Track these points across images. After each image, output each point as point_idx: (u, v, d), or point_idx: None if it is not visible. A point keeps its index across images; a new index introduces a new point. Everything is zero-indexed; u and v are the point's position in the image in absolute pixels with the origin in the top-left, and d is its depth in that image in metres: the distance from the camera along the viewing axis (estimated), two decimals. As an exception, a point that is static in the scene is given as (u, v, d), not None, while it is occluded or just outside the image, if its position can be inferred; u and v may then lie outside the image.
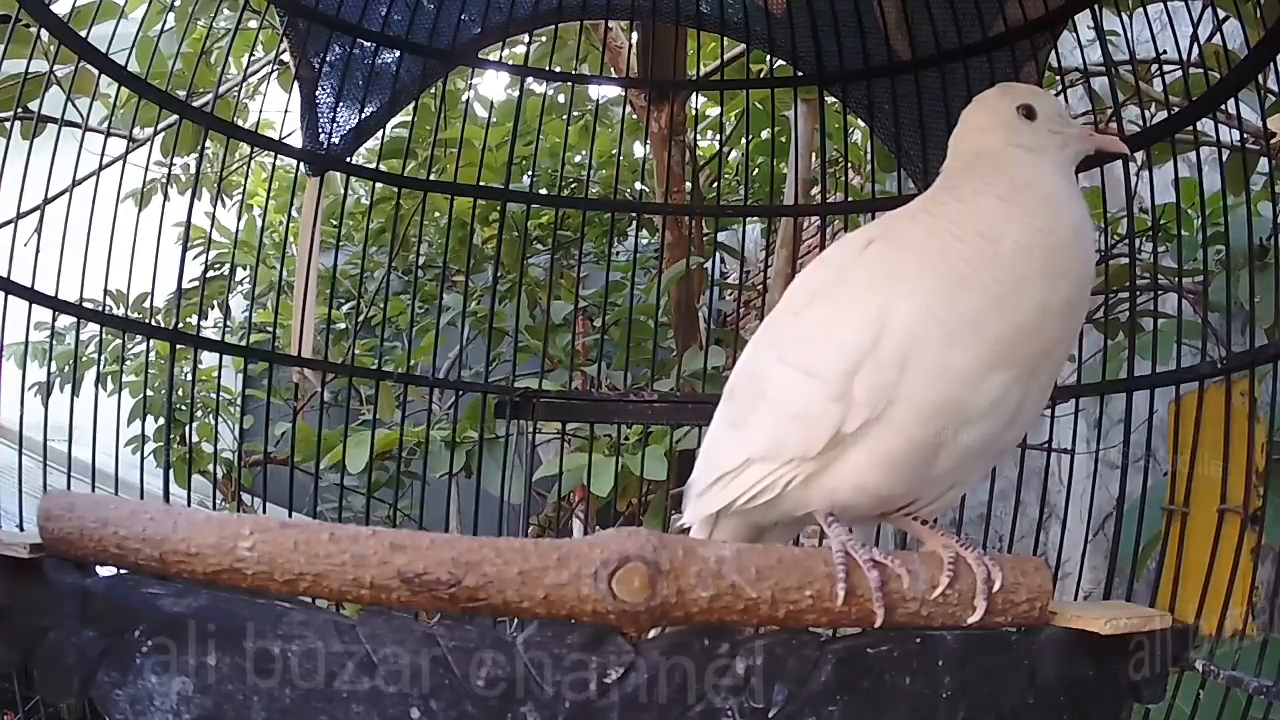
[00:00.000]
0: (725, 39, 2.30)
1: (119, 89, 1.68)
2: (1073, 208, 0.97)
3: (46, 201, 1.51)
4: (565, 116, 2.61)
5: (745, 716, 0.91)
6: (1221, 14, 1.76)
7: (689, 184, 2.87)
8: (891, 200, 1.74)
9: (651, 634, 0.93)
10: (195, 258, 3.14)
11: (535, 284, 3.04)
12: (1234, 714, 1.19)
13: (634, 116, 2.97)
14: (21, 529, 1.39)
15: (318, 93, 1.84)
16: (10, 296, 1.38)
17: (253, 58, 2.78)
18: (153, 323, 2.11)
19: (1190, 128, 1.61)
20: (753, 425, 1.00)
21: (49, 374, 2.71)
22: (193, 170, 2.31)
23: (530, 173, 2.93)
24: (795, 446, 0.96)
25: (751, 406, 1.02)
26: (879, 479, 0.96)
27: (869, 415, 0.93)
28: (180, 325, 2.03)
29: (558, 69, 2.25)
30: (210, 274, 3.30)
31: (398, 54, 1.87)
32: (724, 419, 1.07)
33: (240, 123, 2.27)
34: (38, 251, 1.47)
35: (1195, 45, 1.61)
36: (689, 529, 1.09)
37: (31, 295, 1.44)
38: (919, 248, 0.95)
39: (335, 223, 2.97)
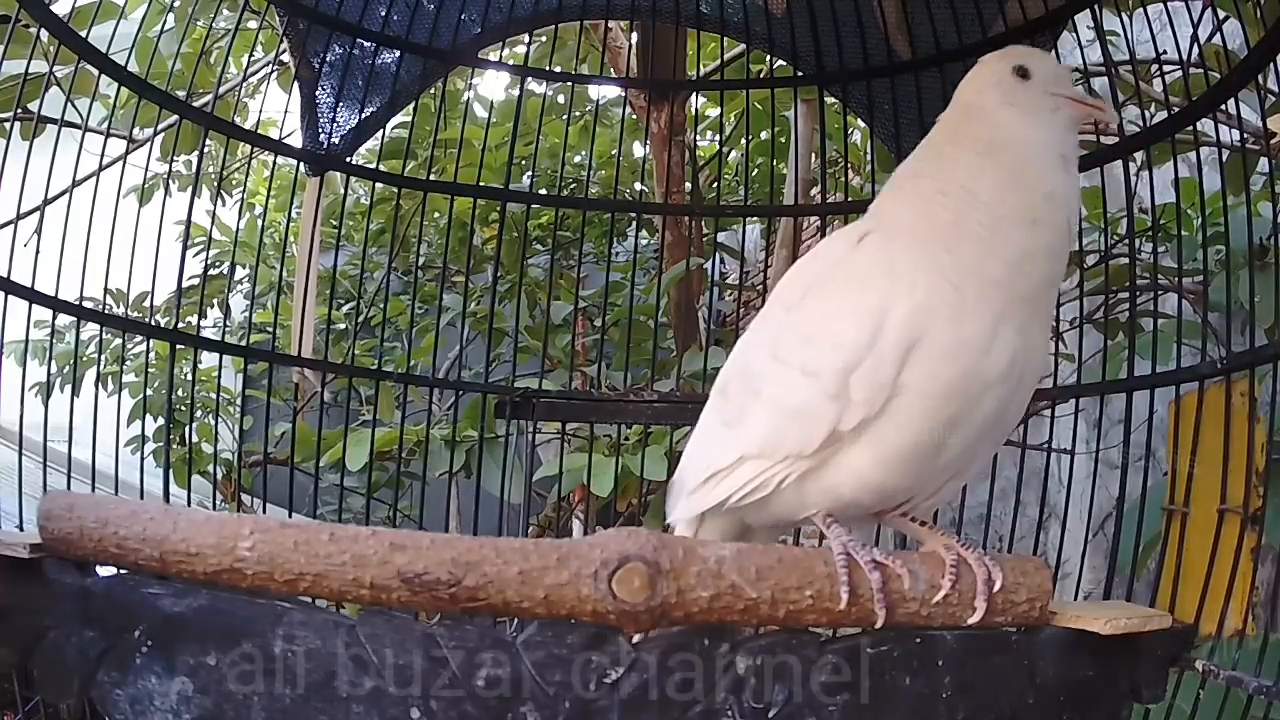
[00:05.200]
0: (725, 39, 2.30)
1: (119, 89, 1.67)
2: (1051, 170, 0.98)
3: (46, 201, 1.50)
4: (565, 116, 2.61)
5: (745, 716, 0.91)
6: (1221, 14, 1.76)
7: (689, 184, 2.87)
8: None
9: (647, 635, 0.93)
10: (195, 256, 3.14)
11: (535, 284, 3.04)
12: (1234, 714, 1.19)
13: (634, 117, 2.97)
14: (21, 529, 1.39)
15: (318, 93, 1.84)
16: (10, 296, 1.38)
17: (253, 58, 2.78)
18: (153, 322, 2.11)
19: (1190, 128, 1.60)
20: (747, 422, 1.00)
21: (49, 374, 2.71)
22: (194, 166, 2.30)
23: (530, 173, 2.93)
24: (791, 444, 0.96)
25: (745, 403, 1.01)
26: (884, 473, 0.95)
27: (867, 414, 0.92)
28: (180, 325, 2.02)
29: (558, 69, 2.25)
30: (210, 273, 3.30)
31: (398, 54, 1.87)
32: (716, 415, 1.06)
33: (240, 123, 2.27)
34: (38, 251, 1.47)
35: (1195, 45, 1.61)
36: (675, 528, 1.09)
37: (31, 295, 1.44)
38: (912, 219, 0.97)
39: (335, 223, 2.96)
